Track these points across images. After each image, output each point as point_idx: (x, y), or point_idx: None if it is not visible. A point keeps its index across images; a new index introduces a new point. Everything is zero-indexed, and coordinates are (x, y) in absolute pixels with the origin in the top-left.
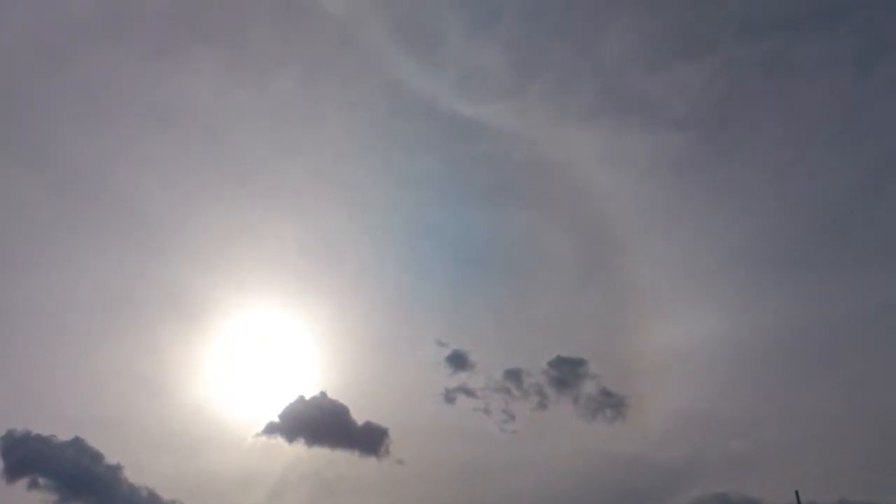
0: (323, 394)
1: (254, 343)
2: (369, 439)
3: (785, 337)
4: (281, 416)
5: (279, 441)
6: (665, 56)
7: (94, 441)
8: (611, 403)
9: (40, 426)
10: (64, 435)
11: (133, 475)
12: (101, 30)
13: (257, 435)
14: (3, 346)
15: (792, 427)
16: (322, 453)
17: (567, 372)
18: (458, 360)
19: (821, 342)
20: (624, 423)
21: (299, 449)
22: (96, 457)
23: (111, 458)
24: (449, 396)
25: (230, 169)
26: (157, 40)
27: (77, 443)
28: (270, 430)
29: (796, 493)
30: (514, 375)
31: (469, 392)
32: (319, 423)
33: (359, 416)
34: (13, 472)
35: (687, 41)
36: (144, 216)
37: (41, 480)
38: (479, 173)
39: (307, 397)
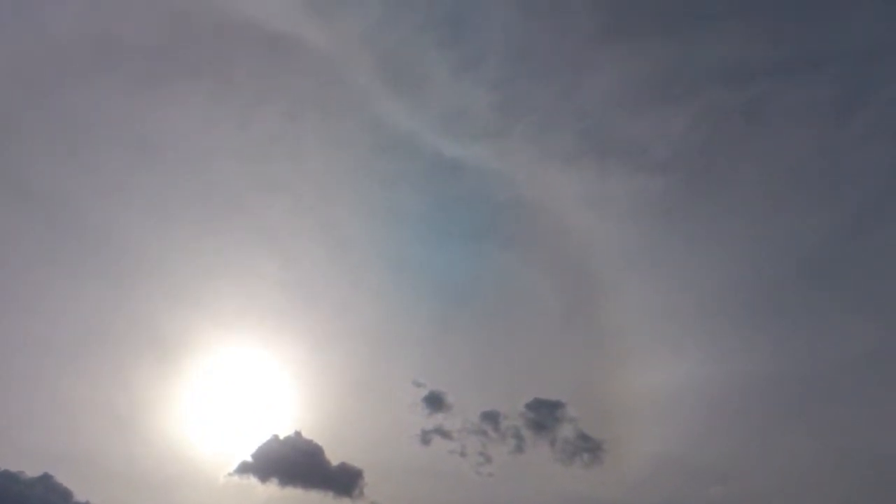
0: (297, 433)
1: (228, 380)
2: (344, 480)
3: (764, 382)
4: (254, 456)
5: (252, 481)
6: (647, 100)
7: (64, 478)
8: (588, 447)
9: (8, 462)
10: (32, 471)
11: None
12: (83, 62)
13: (230, 474)
14: None
15: (771, 473)
16: (295, 494)
17: (545, 415)
18: (434, 401)
19: (799, 388)
20: (601, 467)
21: (272, 489)
22: (65, 494)
23: (81, 496)
24: (425, 438)
25: (210, 204)
26: (140, 73)
27: (46, 479)
28: (243, 469)
29: None
30: (491, 417)
31: (445, 434)
32: (293, 464)
33: (333, 457)
34: None
35: (669, 86)
36: (121, 250)
37: None
38: (460, 213)
39: (281, 437)
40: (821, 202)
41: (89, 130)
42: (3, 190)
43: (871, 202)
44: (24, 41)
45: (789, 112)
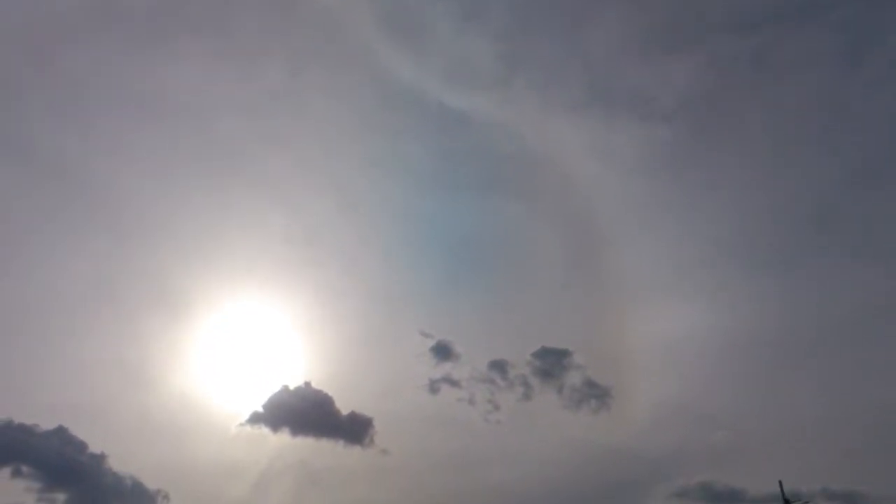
0: (307, 384)
1: (239, 333)
2: (354, 429)
3: (770, 329)
4: (265, 406)
5: (263, 431)
6: (653, 49)
7: (78, 430)
8: (595, 394)
9: (24, 415)
10: (47, 424)
11: (117, 464)
12: (85, 20)
13: (241, 425)
14: None
15: (776, 418)
16: (307, 443)
17: (552, 363)
18: (442, 351)
19: (805, 335)
20: (608, 413)
21: (284, 438)
22: (80, 446)
23: (95, 447)
24: (433, 387)
25: (216, 159)
26: (143, 31)
27: (61, 432)
28: (255, 419)
29: (780, 482)
30: (498, 366)
31: (453, 383)
32: (304, 413)
33: (343, 406)
34: None
35: (675, 35)
36: (129, 207)
37: (24, 469)
38: (466, 165)
39: (291, 387)
40: (829, 149)
41: (93, 89)
42: (9, 150)
43: (880, 148)
44: (24, 3)
45: (797, 59)
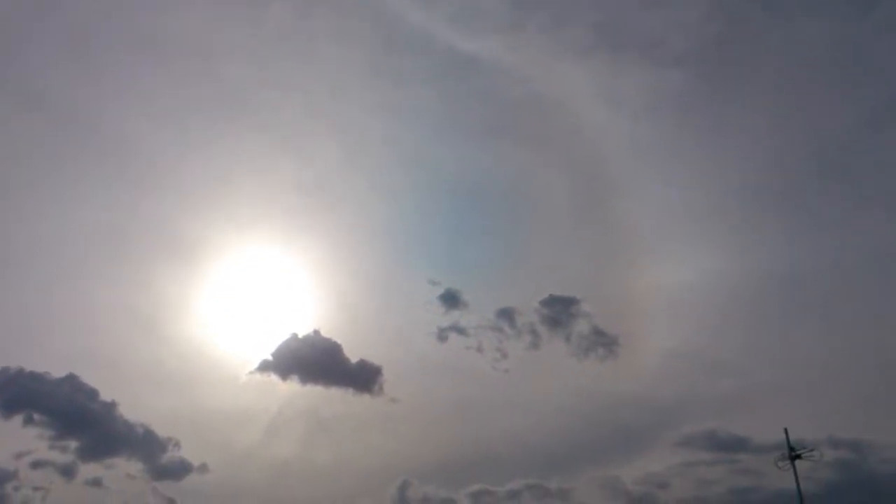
0: (316, 332)
1: (248, 280)
2: (363, 377)
3: (778, 276)
4: (274, 354)
5: (273, 378)
6: None
7: (89, 378)
8: (603, 342)
9: (34, 363)
10: (58, 372)
11: (128, 412)
12: None
13: (251, 372)
14: None
15: (782, 366)
16: (316, 391)
17: (559, 311)
18: (450, 299)
19: (814, 281)
20: (616, 361)
21: (293, 386)
22: (91, 393)
23: (106, 395)
24: (442, 335)
25: (223, 104)
26: None
27: (71, 379)
28: (264, 367)
29: (785, 430)
30: (506, 314)
31: (461, 331)
32: (313, 361)
33: (352, 354)
34: (8, 409)
35: None
36: (137, 154)
37: (36, 417)
38: (474, 110)
39: (300, 335)
40: (840, 96)
41: (98, 36)
42: (16, 98)
43: (891, 94)
44: None
45: (808, 2)
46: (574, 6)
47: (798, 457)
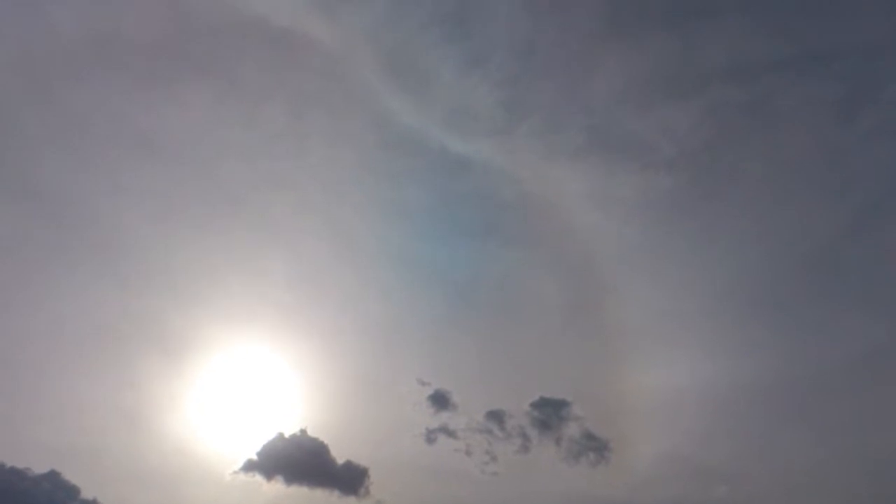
0: (303, 431)
1: (234, 378)
2: (349, 479)
3: (769, 381)
4: (259, 454)
5: (258, 479)
6: (653, 97)
7: (71, 475)
8: (594, 446)
9: (15, 458)
10: (39, 468)
11: None
12: (88, 59)
13: (235, 472)
14: None
15: (776, 471)
16: (301, 492)
17: (550, 414)
18: (439, 400)
19: (804, 387)
20: (607, 466)
21: (278, 487)
22: (72, 491)
23: (88, 493)
24: (430, 437)
25: (215, 202)
26: (145, 71)
27: (53, 476)
28: (249, 467)
29: None
30: (496, 416)
31: (450, 433)
32: (299, 462)
33: (339, 455)
34: None
35: (674, 83)
36: (128, 248)
37: None
38: (466, 210)
39: (287, 434)
40: (826, 200)
41: (94, 129)
42: (9, 189)
43: (876, 200)
44: (29, 39)
45: (795, 109)
46: (566, 110)
47: None
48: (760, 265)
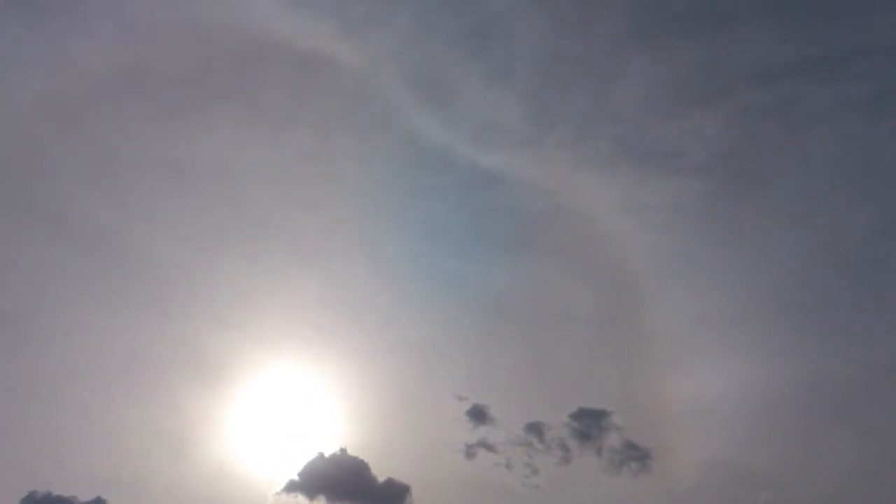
0: (343, 450)
1: (273, 399)
2: (391, 496)
3: (810, 385)
4: (301, 474)
5: (300, 499)
6: (680, 103)
7: (116, 501)
8: (636, 456)
9: (61, 487)
10: (85, 495)
11: None
12: (115, 91)
13: (278, 493)
14: (25, 407)
15: (820, 475)
16: None
17: (590, 424)
18: (478, 414)
19: (847, 389)
20: (650, 475)
21: None
22: None
23: None
24: (469, 451)
25: (247, 225)
26: (171, 100)
27: (99, 503)
28: (291, 488)
29: None
30: (535, 429)
31: (490, 447)
32: (340, 481)
33: (380, 473)
34: None
35: (702, 87)
36: (163, 275)
37: None
38: (498, 224)
39: (327, 454)
40: (860, 199)
41: (124, 159)
42: (42, 220)
43: None
44: (57, 74)
45: (824, 109)
46: (593, 120)
47: None
48: (796, 267)
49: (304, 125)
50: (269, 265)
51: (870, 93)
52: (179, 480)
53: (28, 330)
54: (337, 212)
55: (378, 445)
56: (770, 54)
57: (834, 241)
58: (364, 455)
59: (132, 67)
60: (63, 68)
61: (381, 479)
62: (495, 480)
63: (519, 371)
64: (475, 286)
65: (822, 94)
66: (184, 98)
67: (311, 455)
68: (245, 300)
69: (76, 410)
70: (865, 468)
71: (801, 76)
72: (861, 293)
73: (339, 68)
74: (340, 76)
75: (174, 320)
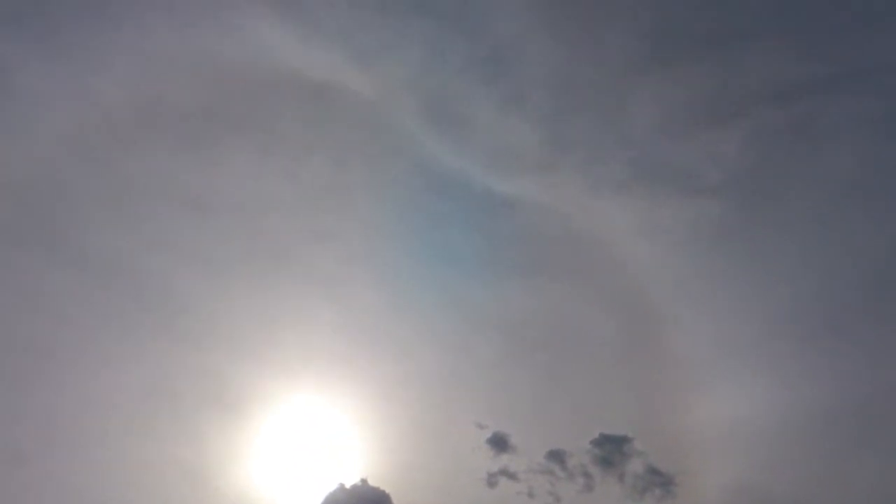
0: (364, 481)
1: (292, 430)
2: None
3: (833, 406)
4: None
5: None
6: (695, 124)
7: None
8: (659, 481)
9: None
10: None
11: None
12: (132, 125)
13: None
14: (46, 441)
15: (844, 497)
16: None
17: (612, 450)
18: (498, 443)
19: (871, 410)
20: (674, 501)
21: None
22: None
23: None
24: (491, 480)
25: (264, 257)
26: (188, 133)
27: None
28: None
29: None
30: (557, 456)
31: (511, 475)
32: None
33: (401, 503)
34: None
35: (716, 108)
36: (182, 307)
37: None
38: (514, 249)
39: (348, 485)
40: (878, 217)
41: (142, 192)
42: (60, 255)
43: None
44: (76, 109)
45: (840, 127)
46: (607, 143)
47: None
48: (816, 288)
49: (320, 155)
50: (287, 296)
51: (886, 110)
52: None
53: (50, 362)
54: (353, 241)
55: (399, 475)
56: (784, 73)
57: (853, 260)
58: (385, 485)
59: (151, 102)
60: (82, 105)
61: None
62: None
63: (538, 398)
64: (492, 312)
65: (836, 112)
66: (199, 132)
67: (331, 486)
68: (264, 331)
69: (97, 442)
70: (890, 491)
71: (816, 95)
72: (882, 313)
73: (353, 98)
74: (354, 106)
75: (194, 352)
